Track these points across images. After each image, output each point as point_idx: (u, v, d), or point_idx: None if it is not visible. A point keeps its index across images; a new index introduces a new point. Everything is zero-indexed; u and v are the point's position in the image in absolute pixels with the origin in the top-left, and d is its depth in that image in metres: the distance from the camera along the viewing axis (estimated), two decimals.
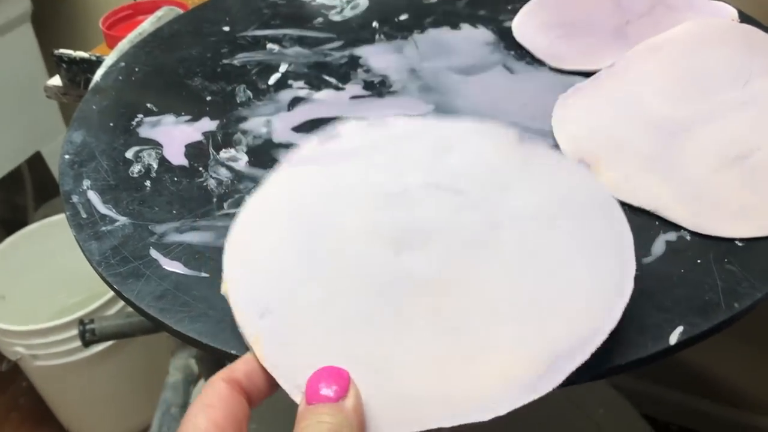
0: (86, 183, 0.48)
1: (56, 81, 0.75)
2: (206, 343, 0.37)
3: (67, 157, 0.50)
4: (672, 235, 0.41)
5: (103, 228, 0.44)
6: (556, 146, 0.47)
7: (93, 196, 0.46)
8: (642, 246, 0.40)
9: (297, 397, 0.33)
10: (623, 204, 0.43)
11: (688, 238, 0.41)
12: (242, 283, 0.37)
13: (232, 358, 0.37)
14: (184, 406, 0.99)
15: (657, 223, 0.42)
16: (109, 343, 1.11)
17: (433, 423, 0.32)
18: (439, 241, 0.38)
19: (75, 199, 0.46)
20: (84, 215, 0.45)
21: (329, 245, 0.38)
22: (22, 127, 1.21)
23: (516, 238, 0.38)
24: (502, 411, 0.31)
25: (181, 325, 0.38)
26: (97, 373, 1.14)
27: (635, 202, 0.43)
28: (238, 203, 0.45)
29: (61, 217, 1.22)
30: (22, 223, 1.25)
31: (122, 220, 0.45)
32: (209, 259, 0.42)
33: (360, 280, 0.36)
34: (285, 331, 0.35)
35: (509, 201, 0.39)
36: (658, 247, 0.41)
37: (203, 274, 0.41)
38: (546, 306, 0.35)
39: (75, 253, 1.29)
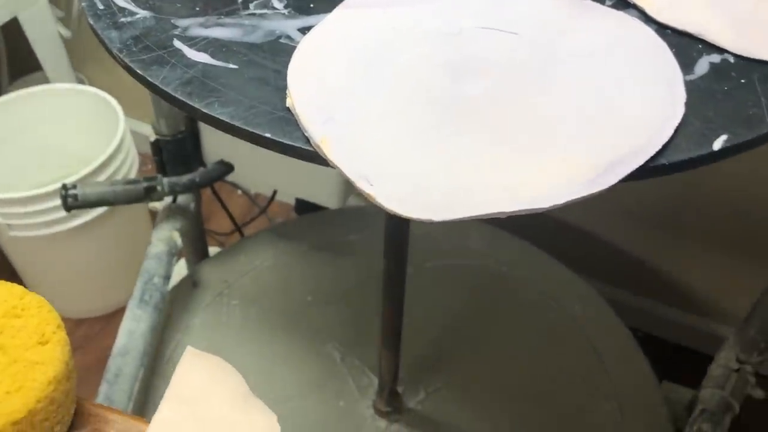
0: None
1: None
2: (238, 125, 0.36)
3: None
4: (715, 57, 0.40)
5: (123, 19, 0.42)
6: None
7: None
8: (685, 65, 0.39)
9: (363, 185, 0.33)
10: (666, 27, 0.42)
11: (732, 60, 0.40)
12: (307, 95, 0.37)
13: (266, 141, 0.36)
14: (167, 276, 0.98)
15: (700, 46, 0.41)
16: (90, 216, 1.08)
17: (495, 208, 0.32)
18: (497, 71, 0.38)
19: None
20: (101, 6, 0.42)
21: (390, 70, 0.39)
22: None
23: (572, 68, 0.39)
24: (561, 201, 0.32)
25: (210, 108, 0.36)
26: (75, 247, 1.12)
27: (679, 25, 0.42)
28: (264, 5, 0.43)
29: (38, 89, 1.17)
30: None
31: (142, 13, 0.42)
32: (237, 53, 0.40)
33: (420, 99, 0.37)
34: (351, 134, 0.35)
35: (563, 41, 0.40)
36: (702, 66, 0.40)
37: (232, 66, 0.39)
38: (603, 119, 0.36)
39: (52, 128, 1.24)
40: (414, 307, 0.79)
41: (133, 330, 0.89)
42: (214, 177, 0.98)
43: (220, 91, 0.37)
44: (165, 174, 0.97)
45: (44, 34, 1.22)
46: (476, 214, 0.32)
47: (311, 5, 0.43)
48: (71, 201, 0.93)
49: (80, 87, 1.18)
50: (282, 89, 0.38)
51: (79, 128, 1.19)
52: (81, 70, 1.37)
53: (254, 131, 0.35)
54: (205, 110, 0.36)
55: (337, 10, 0.42)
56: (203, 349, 0.99)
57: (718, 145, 0.35)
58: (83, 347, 1.16)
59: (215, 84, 0.38)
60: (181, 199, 1.02)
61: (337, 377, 0.90)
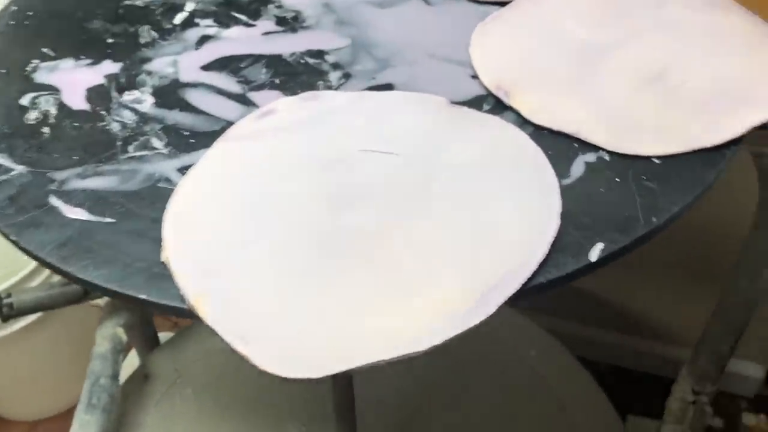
0: None
1: None
2: (113, 289, 0.35)
3: None
4: (591, 156, 0.41)
5: None
6: (475, 76, 0.46)
7: None
8: (561, 168, 0.40)
9: (239, 346, 0.32)
10: (542, 128, 0.43)
11: (607, 158, 0.41)
12: (182, 247, 0.36)
13: (143, 303, 0.35)
14: (114, 376, 0.96)
15: (576, 145, 0.42)
16: (31, 318, 1.06)
17: (374, 357, 0.31)
18: (375, 198, 0.38)
19: None
20: None
21: (269, 209, 0.38)
22: None
23: (448, 187, 0.39)
24: (439, 340, 0.32)
25: (85, 272, 0.36)
26: (19, 350, 1.09)
27: (554, 126, 0.42)
28: (144, 146, 0.43)
29: None
30: None
31: (19, 168, 0.42)
32: (114, 204, 0.40)
33: (300, 237, 0.37)
34: (228, 289, 0.35)
35: (441, 157, 0.40)
36: (577, 168, 0.40)
37: (108, 219, 0.39)
38: (478, 244, 0.36)
39: None
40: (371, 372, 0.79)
41: None
42: None
43: (95, 251, 0.37)
44: None
45: None
46: (355, 366, 0.32)
47: (191, 141, 0.43)
48: (7, 311, 0.91)
49: None
50: (159, 241, 0.37)
51: None
52: None
53: (129, 293, 0.35)
54: (80, 275, 0.36)
55: (217, 144, 0.42)
56: None
57: (594, 255, 0.36)
58: None
59: (91, 243, 0.37)
60: None
61: None
